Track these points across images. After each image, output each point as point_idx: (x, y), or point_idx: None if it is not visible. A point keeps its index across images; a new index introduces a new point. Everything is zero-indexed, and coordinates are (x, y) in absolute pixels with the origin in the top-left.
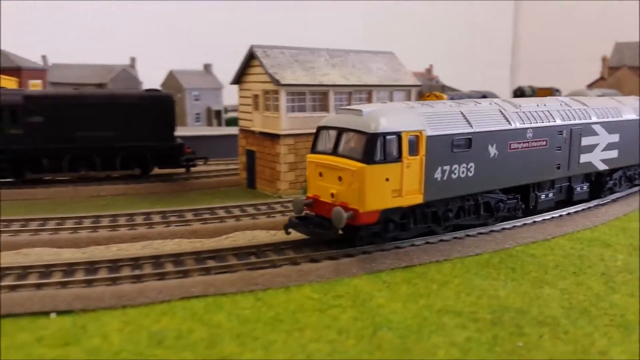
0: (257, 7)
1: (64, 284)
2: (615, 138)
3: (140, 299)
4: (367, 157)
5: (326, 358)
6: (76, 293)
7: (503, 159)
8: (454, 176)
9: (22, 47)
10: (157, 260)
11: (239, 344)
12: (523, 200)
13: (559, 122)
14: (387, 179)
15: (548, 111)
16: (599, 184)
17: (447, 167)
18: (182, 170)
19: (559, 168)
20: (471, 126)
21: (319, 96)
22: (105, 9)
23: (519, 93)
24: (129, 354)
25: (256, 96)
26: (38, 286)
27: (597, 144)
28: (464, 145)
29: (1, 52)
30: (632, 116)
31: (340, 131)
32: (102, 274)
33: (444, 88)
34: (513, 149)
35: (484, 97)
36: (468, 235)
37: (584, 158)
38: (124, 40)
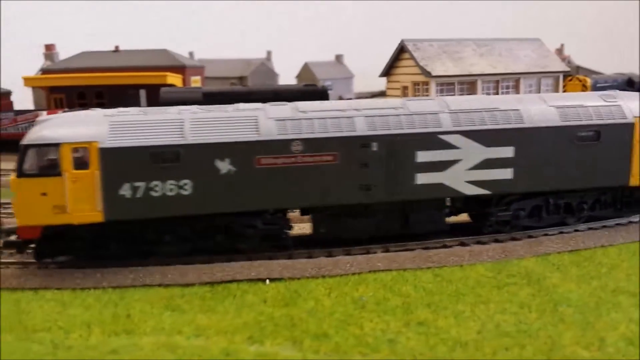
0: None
1: (271, 257)
2: (504, 152)
3: (336, 270)
4: (19, 169)
5: (514, 328)
6: (283, 264)
7: (246, 177)
8: (155, 194)
9: (171, 44)
10: None
11: (431, 312)
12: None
13: (362, 131)
14: (44, 194)
15: (348, 117)
16: (483, 215)
17: (141, 184)
18: None
19: (368, 190)
20: (183, 137)
21: (467, 85)
22: (243, 6)
23: None
24: (340, 314)
25: (405, 87)
26: (249, 258)
27: (458, 160)
28: (169, 159)
29: (167, 52)
30: (554, 121)
31: None
32: (300, 249)
33: (578, 69)
34: (264, 164)
35: (630, 80)
36: (631, 222)
37: (427, 178)
38: (260, 35)
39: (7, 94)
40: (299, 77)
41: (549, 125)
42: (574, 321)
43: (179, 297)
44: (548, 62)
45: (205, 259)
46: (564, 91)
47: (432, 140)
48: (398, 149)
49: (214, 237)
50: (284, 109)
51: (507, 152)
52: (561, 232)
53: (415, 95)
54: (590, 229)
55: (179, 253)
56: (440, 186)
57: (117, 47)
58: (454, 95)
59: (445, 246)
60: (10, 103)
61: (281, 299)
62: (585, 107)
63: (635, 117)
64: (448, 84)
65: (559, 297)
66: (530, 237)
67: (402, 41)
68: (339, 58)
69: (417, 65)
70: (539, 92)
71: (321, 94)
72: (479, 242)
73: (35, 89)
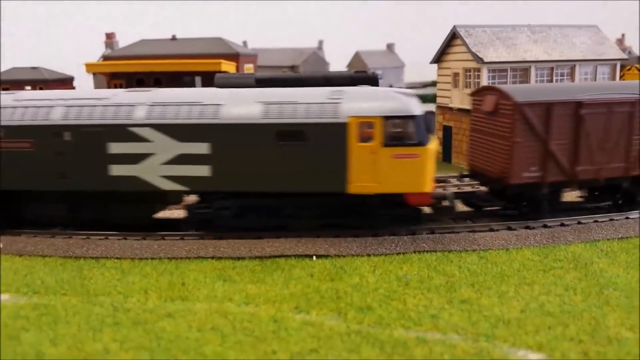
0: None
1: (319, 235)
2: (199, 148)
3: (380, 249)
4: None
5: (558, 309)
6: (330, 241)
7: None
8: None
9: (225, 33)
10: None
11: (474, 291)
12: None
13: (54, 120)
14: None
15: (47, 107)
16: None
17: None
18: None
19: (64, 177)
20: None
21: (520, 72)
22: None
23: None
24: (385, 290)
25: (456, 74)
26: (298, 236)
27: (152, 154)
28: None
29: (222, 40)
30: (251, 119)
31: None
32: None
33: (639, 59)
34: None
35: None
36: None
37: (121, 170)
38: (311, 25)
39: (70, 79)
40: (350, 65)
41: (244, 123)
42: (620, 304)
43: (231, 269)
44: (605, 50)
45: (256, 235)
46: (622, 80)
47: (123, 133)
48: (90, 140)
49: None
50: (5, 97)
51: (202, 148)
52: (611, 220)
53: (466, 83)
54: None
55: None
56: (135, 179)
57: (174, 35)
58: (506, 82)
59: (492, 230)
60: (73, 88)
61: (327, 274)
62: (292, 104)
63: (351, 116)
64: (500, 71)
65: (605, 281)
66: (579, 223)
67: (454, 27)
68: (390, 47)
69: (469, 51)
70: (595, 80)
71: (371, 81)
72: (527, 227)
73: (96, 75)
